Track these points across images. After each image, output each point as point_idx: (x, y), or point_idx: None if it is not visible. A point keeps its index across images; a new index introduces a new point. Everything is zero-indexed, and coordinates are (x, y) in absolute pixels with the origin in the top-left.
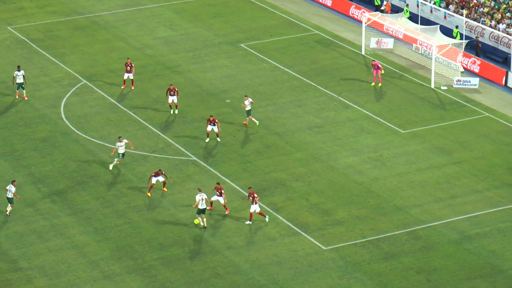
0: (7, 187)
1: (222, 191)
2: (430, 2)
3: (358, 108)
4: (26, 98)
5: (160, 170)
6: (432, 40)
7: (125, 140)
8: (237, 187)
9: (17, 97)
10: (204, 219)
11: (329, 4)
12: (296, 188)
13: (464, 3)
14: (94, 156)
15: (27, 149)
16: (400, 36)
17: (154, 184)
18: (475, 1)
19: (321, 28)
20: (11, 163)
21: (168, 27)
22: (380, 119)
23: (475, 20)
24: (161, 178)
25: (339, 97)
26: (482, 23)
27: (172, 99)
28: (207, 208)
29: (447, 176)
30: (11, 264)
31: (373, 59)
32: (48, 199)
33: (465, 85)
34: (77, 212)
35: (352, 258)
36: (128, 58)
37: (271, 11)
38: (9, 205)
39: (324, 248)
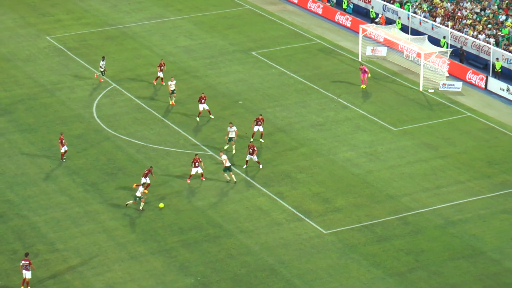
0: (138, 192)
1: (200, 161)
2: (420, 15)
3: (355, 108)
4: (101, 81)
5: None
6: (421, 49)
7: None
8: (248, 178)
9: (101, 80)
10: (232, 175)
11: (319, 12)
12: (300, 179)
13: (449, 16)
14: (122, 151)
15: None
16: (392, 45)
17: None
18: (459, 14)
19: (323, 38)
20: (49, 157)
21: (188, 37)
22: (374, 118)
23: (459, 30)
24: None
25: (339, 99)
26: (465, 34)
27: (203, 106)
28: (229, 167)
29: (433, 168)
30: (49, 246)
31: (361, 63)
32: (81, 188)
33: (450, 88)
34: (107, 200)
35: (349, 241)
36: (162, 59)
37: (279, 23)
38: (133, 200)
39: (324, 232)
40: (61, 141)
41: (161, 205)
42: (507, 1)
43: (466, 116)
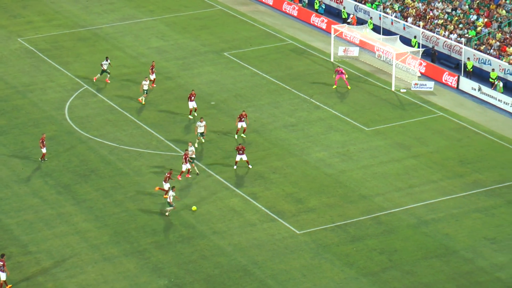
0: (169, 194)
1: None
2: (391, 15)
3: (328, 108)
4: (108, 82)
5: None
6: (393, 49)
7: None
8: (221, 179)
9: (107, 81)
10: (195, 167)
11: (295, 14)
12: (273, 179)
13: (421, 16)
14: (95, 153)
15: (35, 147)
16: (364, 45)
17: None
18: (431, 14)
19: (295, 38)
20: (21, 159)
21: (160, 38)
22: (347, 118)
23: (430, 30)
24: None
25: (311, 99)
26: (436, 33)
27: (193, 104)
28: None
29: (406, 168)
30: (22, 249)
31: (338, 65)
32: (54, 190)
33: (422, 88)
34: (80, 202)
35: (322, 241)
36: (153, 61)
37: (251, 24)
38: (170, 208)
39: (298, 232)
40: (42, 142)
41: (194, 208)
42: (478, 1)
43: (438, 115)
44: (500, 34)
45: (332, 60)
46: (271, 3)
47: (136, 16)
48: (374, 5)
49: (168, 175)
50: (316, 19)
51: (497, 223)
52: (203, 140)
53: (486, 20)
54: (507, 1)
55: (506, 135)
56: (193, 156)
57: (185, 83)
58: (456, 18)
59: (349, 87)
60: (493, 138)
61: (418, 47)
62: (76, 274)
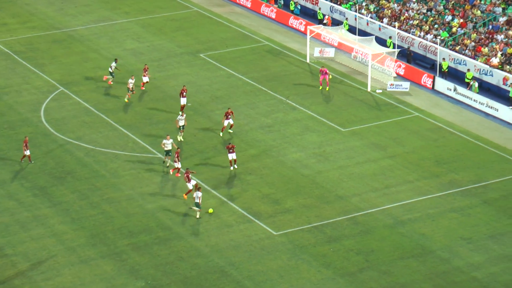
0: (195, 194)
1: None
2: (367, 16)
3: (304, 109)
4: (110, 83)
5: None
6: (369, 49)
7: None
8: (198, 181)
9: (110, 83)
10: (169, 160)
11: (273, 16)
12: (250, 180)
13: (396, 16)
14: (71, 155)
15: (11, 149)
16: (339, 46)
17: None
18: (406, 15)
19: (271, 39)
20: None
21: (135, 40)
22: (323, 119)
23: (406, 31)
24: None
25: (287, 100)
26: (412, 34)
27: (184, 100)
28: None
29: (382, 168)
30: None
31: (322, 65)
32: (30, 193)
33: (398, 88)
34: (56, 204)
35: (299, 241)
36: (146, 64)
37: (226, 25)
38: (198, 209)
39: (275, 233)
40: (26, 144)
41: (211, 210)
42: (453, 2)
43: (414, 116)
44: (475, 34)
45: (308, 61)
46: (249, 6)
47: (111, 18)
48: (348, 5)
49: (187, 175)
50: (294, 21)
51: (473, 223)
52: (181, 139)
53: (461, 20)
54: (482, 2)
55: (481, 135)
56: (169, 148)
57: (161, 85)
58: (431, 18)
59: (327, 88)
60: (468, 138)
61: (394, 47)
62: (53, 277)
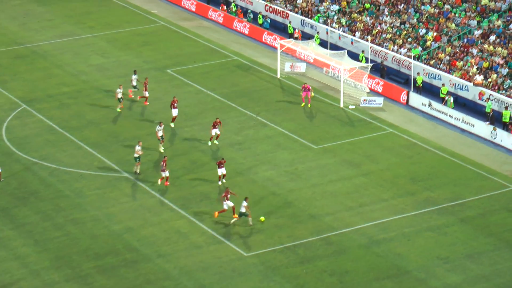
0: (242, 208)
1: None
2: (339, 30)
3: (275, 126)
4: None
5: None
6: (341, 64)
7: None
8: (166, 200)
9: (130, 97)
10: (138, 166)
11: (246, 32)
12: (220, 200)
13: (369, 30)
14: (34, 174)
15: None
16: (311, 61)
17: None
18: (379, 29)
19: (240, 54)
20: None
21: (101, 55)
22: (295, 136)
23: (379, 45)
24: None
25: (258, 117)
26: (385, 48)
27: (175, 112)
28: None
29: (356, 186)
30: None
31: (305, 82)
32: None
33: (371, 104)
34: (19, 226)
35: (271, 263)
36: (146, 78)
37: (195, 40)
38: (238, 217)
39: (246, 254)
40: None
41: (262, 218)
42: (427, 15)
43: (388, 132)
44: (449, 48)
45: (278, 76)
46: (221, 21)
47: (76, 32)
48: (316, 18)
49: (226, 194)
50: (268, 37)
51: (450, 242)
52: (162, 149)
53: (435, 34)
54: (457, 15)
55: (457, 151)
56: (139, 154)
57: (127, 102)
58: (405, 32)
59: (309, 105)
60: (444, 155)
61: (366, 62)
62: None
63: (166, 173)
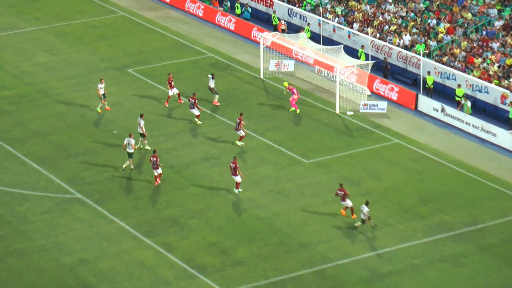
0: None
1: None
2: (333, 21)
3: (258, 136)
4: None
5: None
6: (337, 62)
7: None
8: (127, 227)
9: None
10: (131, 162)
11: (231, 28)
12: (192, 225)
13: (369, 21)
14: None
15: None
16: (301, 58)
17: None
18: (381, 19)
19: (215, 50)
20: None
21: (48, 52)
22: (281, 148)
23: (381, 39)
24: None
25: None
26: (389, 42)
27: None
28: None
29: (355, 208)
30: None
31: (290, 83)
32: None
33: (373, 109)
34: None
35: None
36: (170, 74)
37: (160, 33)
38: (360, 223)
39: None
40: None
41: (286, 83)
42: (438, 2)
43: (393, 143)
44: (465, 42)
45: (261, 76)
46: (201, 15)
47: (18, 25)
48: (304, 4)
49: (344, 192)
50: (249, 30)
51: (468, 274)
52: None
53: (448, 25)
54: (473, 2)
55: (475, 166)
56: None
57: (81, 108)
58: (413, 23)
59: (292, 109)
60: (460, 170)
61: (367, 59)
62: None
63: (159, 170)
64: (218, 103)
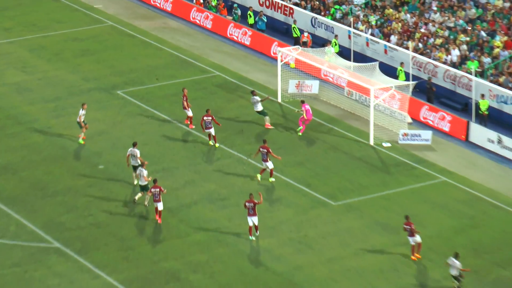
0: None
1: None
2: (366, 32)
3: (275, 173)
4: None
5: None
6: (371, 83)
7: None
8: (115, 283)
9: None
10: (146, 196)
11: (247, 43)
12: (194, 282)
13: (410, 32)
14: None
15: None
16: (327, 78)
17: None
18: (424, 31)
19: (223, 68)
20: None
21: (20, 70)
22: (303, 187)
23: (425, 55)
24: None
25: (249, 159)
26: (434, 59)
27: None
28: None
29: (393, 261)
30: None
31: (303, 99)
32: None
33: (414, 140)
34: None
35: None
36: (184, 88)
37: (157, 47)
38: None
39: None
40: None
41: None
42: (493, 11)
43: (439, 181)
44: None
45: (279, 100)
46: (209, 26)
47: None
48: (332, 11)
49: (411, 227)
50: (263, 43)
51: None
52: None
53: (505, 38)
54: None
55: None
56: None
57: (59, 138)
58: (462, 35)
59: (299, 128)
60: None
61: (407, 79)
62: None
63: (160, 204)
64: (271, 126)
